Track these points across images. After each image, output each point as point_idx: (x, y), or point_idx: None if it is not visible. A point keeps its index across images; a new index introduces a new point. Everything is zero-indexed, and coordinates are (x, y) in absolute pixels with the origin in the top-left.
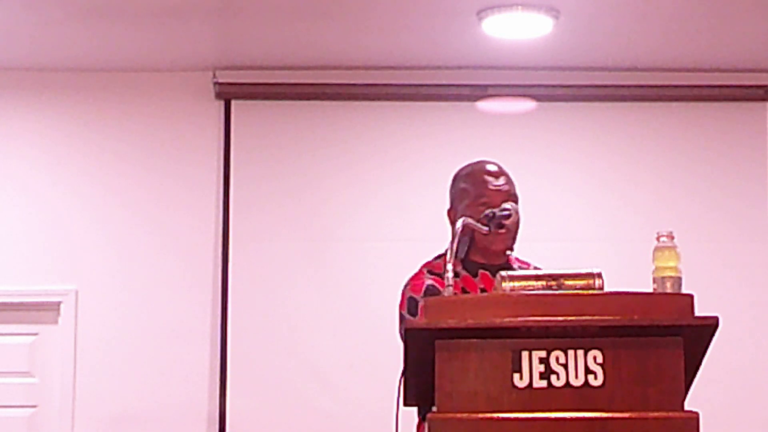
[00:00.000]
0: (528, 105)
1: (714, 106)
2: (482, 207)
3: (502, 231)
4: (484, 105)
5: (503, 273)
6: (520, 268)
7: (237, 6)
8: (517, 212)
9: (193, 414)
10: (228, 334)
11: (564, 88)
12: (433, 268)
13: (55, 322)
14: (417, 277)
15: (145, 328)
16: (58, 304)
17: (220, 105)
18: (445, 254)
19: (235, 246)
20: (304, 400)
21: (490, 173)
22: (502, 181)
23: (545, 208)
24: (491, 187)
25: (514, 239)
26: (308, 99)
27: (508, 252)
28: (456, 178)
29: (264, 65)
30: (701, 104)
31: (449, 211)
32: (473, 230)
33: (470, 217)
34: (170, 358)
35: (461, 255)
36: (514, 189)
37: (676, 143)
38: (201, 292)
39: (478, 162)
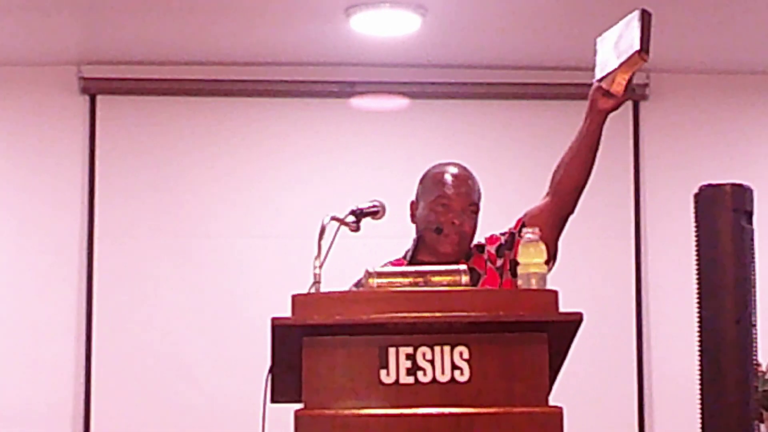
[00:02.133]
0: (398, 102)
1: (579, 104)
2: (440, 209)
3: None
4: (353, 102)
5: (370, 269)
6: (476, 262)
7: (102, 0)
8: (471, 219)
9: (57, 412)
10: (93, 331)
11: (432, 85)
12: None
13: None
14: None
15: (8, 324)
16: None
17: (85, 100)
18: (404, 255)
19: (101, 242)
20: (171, 397)
21: (454, 176)
22: (463, 188)
23: None
24: (451, 191)
25: (462, 244)
26: (175, 95)
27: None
28: (425, 175)
29: (130, 60)
30: (567, 102)
31: (412, 203)
32: (424, 229)
33: (426, 217)
34: (34, 356)
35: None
36: (475, 194)
37: (543, 140)
38: (65, 288)
39: (448, 163)
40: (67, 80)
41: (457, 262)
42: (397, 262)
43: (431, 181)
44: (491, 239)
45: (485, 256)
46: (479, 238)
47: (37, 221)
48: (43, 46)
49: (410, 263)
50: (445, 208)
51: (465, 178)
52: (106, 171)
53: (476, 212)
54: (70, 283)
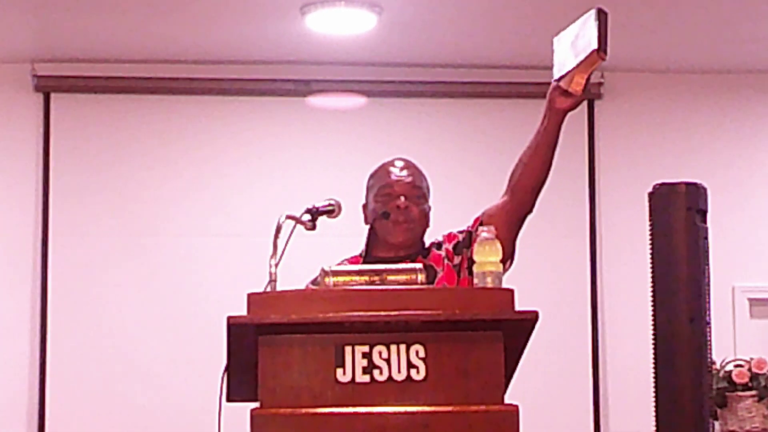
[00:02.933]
0: (354, 100)
1: (534, 103)
2: (385, 197)
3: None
4: (310, 100)
5: (326, 268)
6: (436, 254)
7: None
8: (418, 205)
9: (11, 412)
10: (48, 330)
11: (388, 83)
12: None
13: None
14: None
15: None
16: None
17: (39, 97)
18: (361, 252)
19: (55, 240)
20: (126, 396)
21: (394, 166)
22: (405, 173)
23: None
24: (394, 177)
25: (412, 230)
26: (129, 93)
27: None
28: (370, 175)
29: (84, 58)
30: (522, 101)
31: (363, 206)
32: (373, 220)
33: (374, 209)
34: None
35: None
36: (420, 182)
37: (498, 139)
38: (20, 286)
39: (392, 159)
40: (21, 78)
41: (412, 254)
42: (353, 260)
43: (375, 176)
44: (449, 237)
45: (443, 253)
46: (437, 235)
47: None
48: None
49: (366, 259)
50: (389, 196)
51: (407, 167)
52: (61, 169)
53: (423, 199)
54: (25, 282)
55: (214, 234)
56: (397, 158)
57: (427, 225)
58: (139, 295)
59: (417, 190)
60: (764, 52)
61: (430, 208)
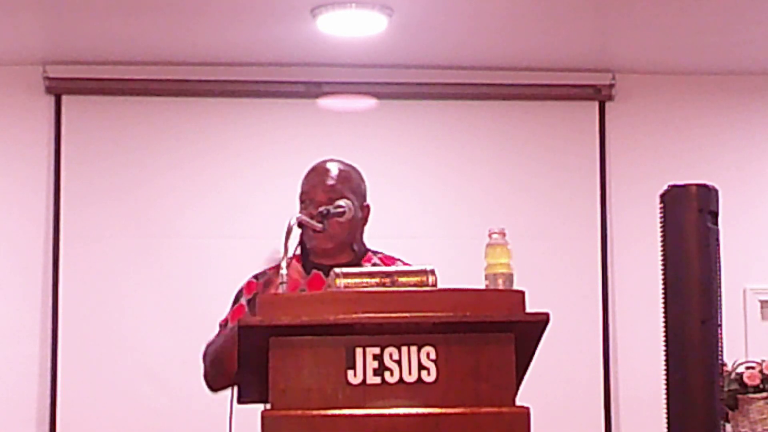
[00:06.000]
0: (365, 102)
1: (546, 105)
2: (302, 205)
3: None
4: (321, 102)
5: (337, 270)
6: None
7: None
8: (346, 211)
9: (22, 414)
10: (59, 332)
11: (399, 85)
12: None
13: None
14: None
15: None
16: None
17: (51, 100)
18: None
19: (66, 243)
20: (137, 398)
21: (314, 170)
22: (319, 178)
23: (382, 204)
24: (307, 186)
25: (335, 240)
26: (141, 95)
27: (358, 250)
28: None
29: (95, 60)
30: (534, 103)
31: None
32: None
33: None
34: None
35: (290, 254)
36: (343, 187)
37: (510, 141)
38: (31, 289)
39: (319, 161)
40: (32, 80)
41: (344, 264)
42: (294, 260)
43: (302, 180)
44: (387, 260)
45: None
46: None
47: (1, 222)
48: (8, 46)
49: (304, 264)
50: (306, 203)
51: (324, 171)
52: (72, 171)
53: (341, 205)
54: (36, 285)
55: (228, 236)
56: (326, 160)
57: (352, 231)
58: (149, 297)
59: (339, 195)
60: None
61: (356, 210)
